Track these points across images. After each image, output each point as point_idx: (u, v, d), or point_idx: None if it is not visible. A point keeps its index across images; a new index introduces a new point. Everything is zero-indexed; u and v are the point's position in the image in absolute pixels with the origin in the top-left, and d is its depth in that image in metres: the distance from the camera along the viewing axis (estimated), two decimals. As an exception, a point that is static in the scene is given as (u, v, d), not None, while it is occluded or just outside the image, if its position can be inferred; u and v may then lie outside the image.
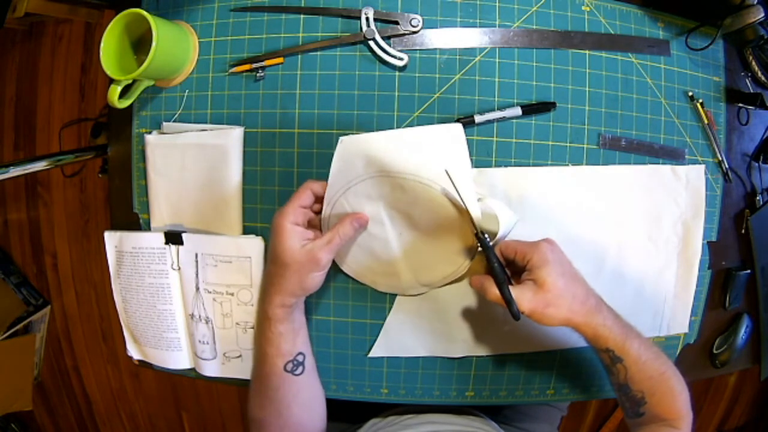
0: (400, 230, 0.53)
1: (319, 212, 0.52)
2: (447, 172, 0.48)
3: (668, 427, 0.47)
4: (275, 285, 0.47)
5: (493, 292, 0.46)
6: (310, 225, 0.51)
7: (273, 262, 0.47)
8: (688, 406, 0.49)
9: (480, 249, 0.49)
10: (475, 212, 0.49)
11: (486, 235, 0.48)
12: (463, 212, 0.50)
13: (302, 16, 0.55)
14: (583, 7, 0.56)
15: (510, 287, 0.46)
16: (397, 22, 0.54)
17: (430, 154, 0.50)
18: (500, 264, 0.48)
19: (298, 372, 0.50)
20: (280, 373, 0.49)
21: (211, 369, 0.59)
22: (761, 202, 0.62)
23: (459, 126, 0.51)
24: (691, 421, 0.48)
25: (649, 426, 0.48)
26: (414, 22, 0.54)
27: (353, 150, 0.50)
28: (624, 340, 0.47)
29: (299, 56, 0.55)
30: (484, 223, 0.49)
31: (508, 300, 0.45)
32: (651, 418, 0.49)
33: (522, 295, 0.45)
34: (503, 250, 0.49)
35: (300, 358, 0.50)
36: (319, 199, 0.51)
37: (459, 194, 0.48)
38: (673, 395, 0.48)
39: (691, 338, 0.62)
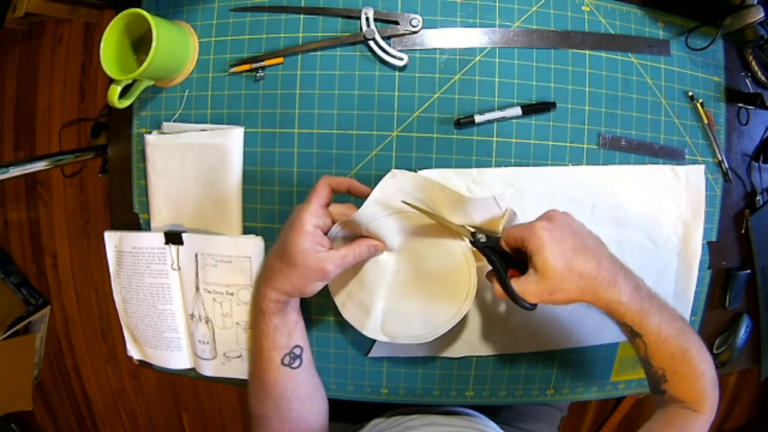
0: (400, 266, 0.52)
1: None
2: (405, 202, 0.47)
3: (687, 410, 0.45)
4: (273, 280, 0.47)
5: (498, 290, 0.46)
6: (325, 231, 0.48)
7: (280, 258, 0.46)
8: (713, 386, 0.46)
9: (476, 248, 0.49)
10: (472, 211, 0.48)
11: (481, 235, 0.48)
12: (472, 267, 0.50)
13: (302, 16, 0.55)
14: (583, 7, 0.56)
15: (513, 281, 0.44)
16: (397, 22, 0.54)
17: (469, 212, 0.49)
18: (502, 261, 0.47)
19: (295, 365, 0.50)
20: (277, 366, 0.49)
21: (211, 369, 0.60)
22: (761, 202, 0.62)
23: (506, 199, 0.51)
24: (716, 402, 0.46)
25: (669, 406, 0.47)
26: (414, 22, 0.54)
27: (399, 183, 0.48)
28: (642, 316, 0.43)
29: (299, 56, 0.55)
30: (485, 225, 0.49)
31: (513, 296, 0.44)
32: (671, 397, 0.47)
33: (525, 288, 0.43)
34: (507, 240, 0.47)
35: (297, 350, 0.50)
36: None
37: (424, 211, 0.48)
38: (695, 376, 0.45)
39: (691, 338, 0.62)
